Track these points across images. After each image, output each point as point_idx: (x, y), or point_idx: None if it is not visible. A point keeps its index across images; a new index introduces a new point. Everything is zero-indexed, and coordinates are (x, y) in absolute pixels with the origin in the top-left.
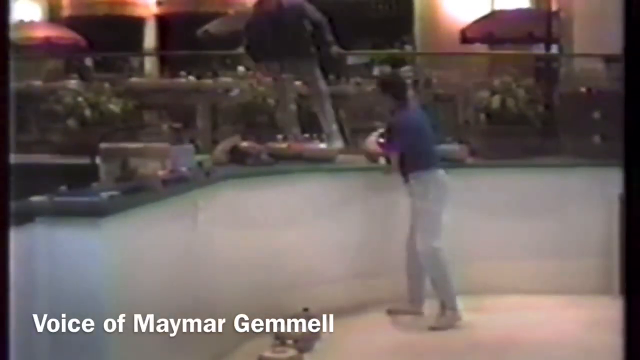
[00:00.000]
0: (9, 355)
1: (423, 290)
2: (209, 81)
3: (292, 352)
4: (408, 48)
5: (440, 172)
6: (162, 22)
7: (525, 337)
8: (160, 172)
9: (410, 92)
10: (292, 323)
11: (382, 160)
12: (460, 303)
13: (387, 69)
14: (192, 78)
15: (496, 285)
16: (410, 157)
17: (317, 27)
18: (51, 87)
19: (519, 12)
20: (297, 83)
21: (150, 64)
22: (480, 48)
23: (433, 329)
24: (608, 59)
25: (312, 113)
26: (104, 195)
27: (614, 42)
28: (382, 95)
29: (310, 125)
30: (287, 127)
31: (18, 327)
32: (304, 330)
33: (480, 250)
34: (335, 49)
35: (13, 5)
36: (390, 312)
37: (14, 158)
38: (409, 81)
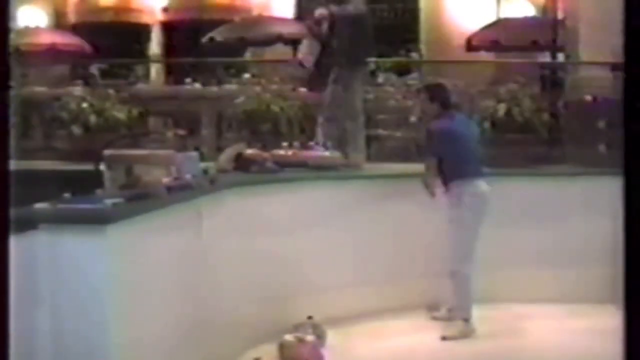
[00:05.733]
0: None
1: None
2: (214, 88)
3: None
4: (414, 56)
5: (480, 183)
6: (168, 29)
7: (528, 346)
8: (165, 180)
9: (454, 100)
10: (296, 331)
11: None
12: (474, 316)
13: (393, 76)
14: (197, 85)
15: (500, 293)
16: (448, 165)
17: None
18: (56, 94)
19: (525, 20)
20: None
21: (155, 70)
22: (485, 56)
23: (444, 338)
24: (614, 67)
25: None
26: (108, 202)
27: (619, 50)
28: (429, 104)
29: (314, 133)
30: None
31: (21, 335)
32: (308, 338)
33: (485, 259)
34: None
35: (18, 11)
36: (435, 319)
37: (17, 164)
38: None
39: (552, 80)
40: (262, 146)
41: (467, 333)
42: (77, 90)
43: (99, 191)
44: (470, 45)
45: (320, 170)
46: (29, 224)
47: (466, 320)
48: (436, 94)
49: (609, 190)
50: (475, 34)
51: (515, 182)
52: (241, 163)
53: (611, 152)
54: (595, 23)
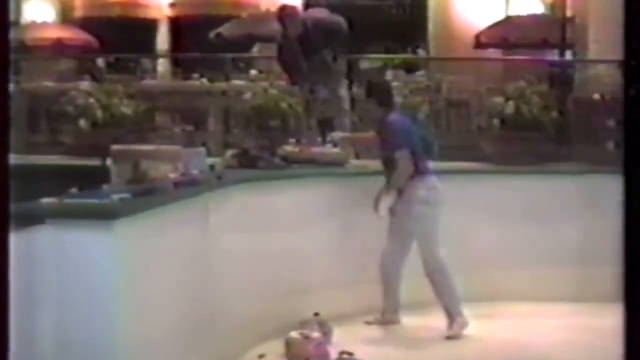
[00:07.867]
0: None
1: (399, 297)
2: (221, 84)
3: None
4: (421, 53)
5: (434, 179)
6: (175, 24)
7: (533, 344)
8: (172, 175)
9: (396, 100)
10: (302, 328)
11: None
12: (465, 309)
13: (401, 73)
14: (204, 81)
15: (506, 292)
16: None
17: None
18: (63, 88)
19: (534, 17)
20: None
21: (162, 66)
22: (494, 53)
23: (449, 338)
24: (622, 65)
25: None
26: (115, 197)
27: None
28: (367, 100)
29: (323, 130)
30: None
31: (25, 331)
32: (314, 335)
33: (491, 256)
34: (325, 54)
35: (24, 6)
36: (369, 323)
37: (24, 159)
38: (394, 86)
39: (560, 78)
40: (269, 142)
41: (464, 326)
42: (84, 85)
43: (105, 186)
44: (479, 42)
45: (327, 166)
46: (35, 219)
47: (460, 314)
48: (372, 90)
49: (616, 189)
50: (484, 31)
51: (523, 180)
52: (248, 159)
53: (619, 150)
54: (604, 21)
